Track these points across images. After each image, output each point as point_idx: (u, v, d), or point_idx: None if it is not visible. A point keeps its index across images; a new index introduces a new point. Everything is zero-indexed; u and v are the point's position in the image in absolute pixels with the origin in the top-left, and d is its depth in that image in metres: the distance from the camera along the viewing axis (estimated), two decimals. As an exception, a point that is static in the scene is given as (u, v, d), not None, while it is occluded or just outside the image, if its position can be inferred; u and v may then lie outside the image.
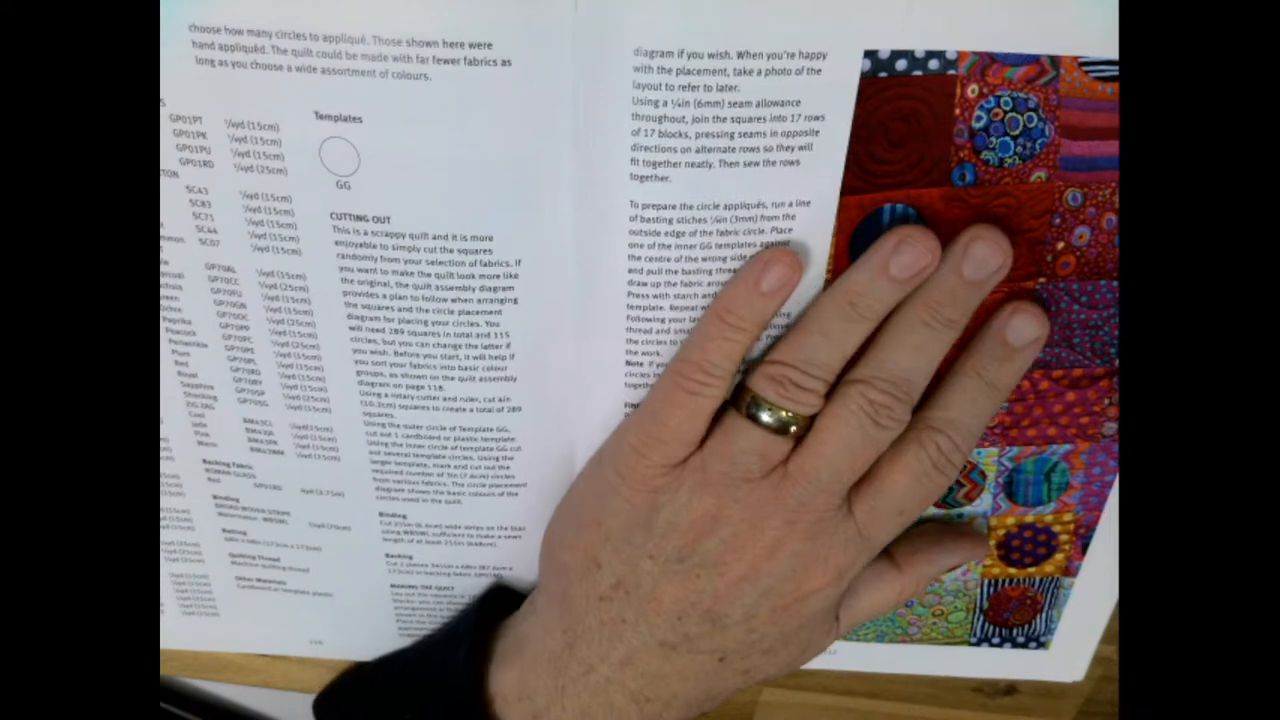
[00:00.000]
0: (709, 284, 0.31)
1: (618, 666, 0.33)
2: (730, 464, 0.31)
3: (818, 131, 0.29)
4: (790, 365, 0.30)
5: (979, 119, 0.29)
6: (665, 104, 0.28)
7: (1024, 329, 0.31)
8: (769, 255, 0.30)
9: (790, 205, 0.30)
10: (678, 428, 0.31)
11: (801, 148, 0.29)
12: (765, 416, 0.31)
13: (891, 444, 0.31)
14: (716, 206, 0.29)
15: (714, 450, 0.31)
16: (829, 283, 0.31)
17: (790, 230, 0.30)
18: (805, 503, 0.31)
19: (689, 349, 0.31)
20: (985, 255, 0.29)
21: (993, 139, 0.30)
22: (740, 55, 0.27)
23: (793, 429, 0.31)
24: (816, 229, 0.30)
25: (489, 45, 0.27)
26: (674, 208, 0.29)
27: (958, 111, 0.29)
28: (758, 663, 0.34)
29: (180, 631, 0.42)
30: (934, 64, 0.28)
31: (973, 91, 0.29)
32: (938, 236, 0.30)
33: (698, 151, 0.28)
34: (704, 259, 0.30)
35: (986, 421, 0.33)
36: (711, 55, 0.27)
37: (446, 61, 0.27)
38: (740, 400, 0.31)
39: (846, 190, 0.30)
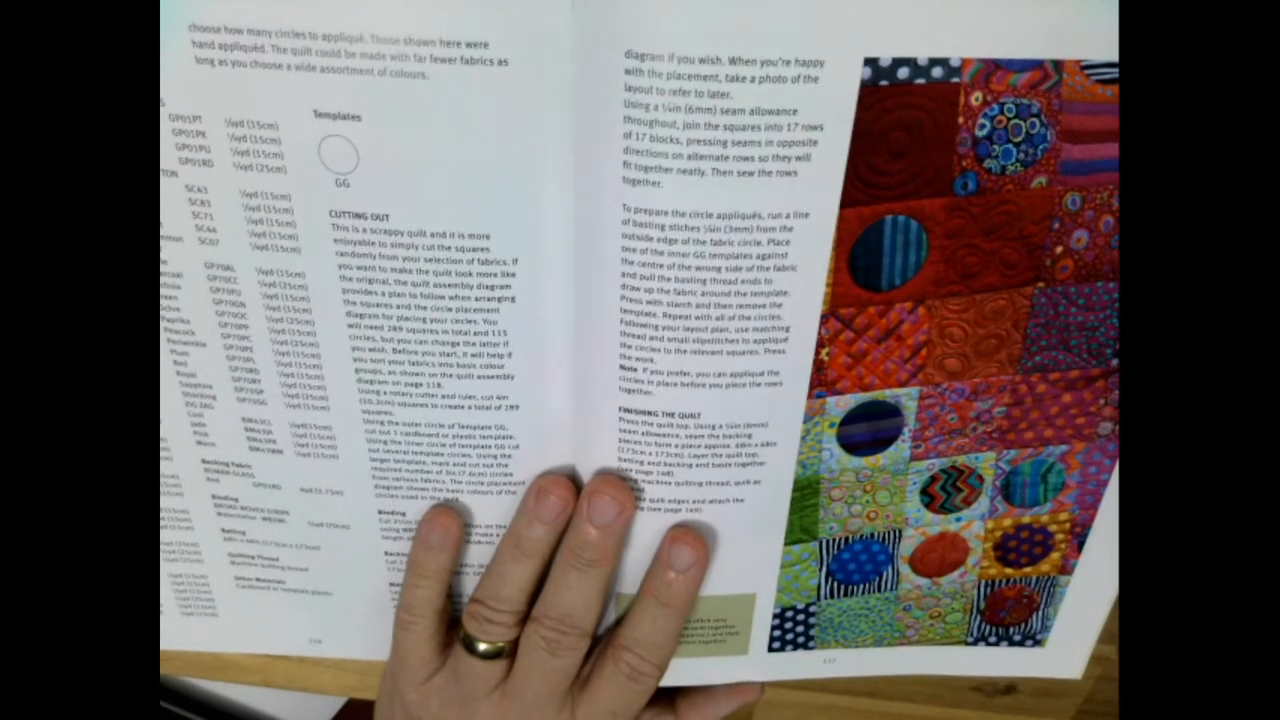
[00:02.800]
0: (703, 294, 0.31)
1: None
2: (459, 686, 0.38)
3: (816, 142, 0.28)
4: (481, 602, 0.37)
5: (982, 127, 0.29)
6: (656, 108, 0.27)
7: (681, 557, 0.36)
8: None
9: (787, 217, 0.29)
10: (405, 658, 0.38)
11: (799, 158, 0.28)
12: (478, 647, 0.37)
13: (599, 653, 0.38)
14: (710, 215, 0.29)
15: (448, 673, 0.38)
16: (827, 297, 0.31)
17: (787, 242, 0.30)
18: (524, 713, 0.37)
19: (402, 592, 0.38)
20: (604, 506, 0.34)
21: (995, 146, 0.29)
22: (732, 61, 0.26)
23: (501, 655, 0.37)
24: (815, 242, 0.30)
25: (486, 44, 0.27)
26: (666, 214, 0.29)
27: (961, 120, 0.29)
28: None
29: (179, 632, 0.42)
30: (937, 71, 0.28)
31: (976, 99, 0.28)
32: (941, 247, 0.30)
33: (689, 158, 0.28)
34: (697, 268, 0.30)
35: (673, 632, 0.37)
36: (702, 60, 0.26)
37: (444, 60, 0.27)
38: (460, 634, 0.38)
39: (846, 202, 0.29)
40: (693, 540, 0.36)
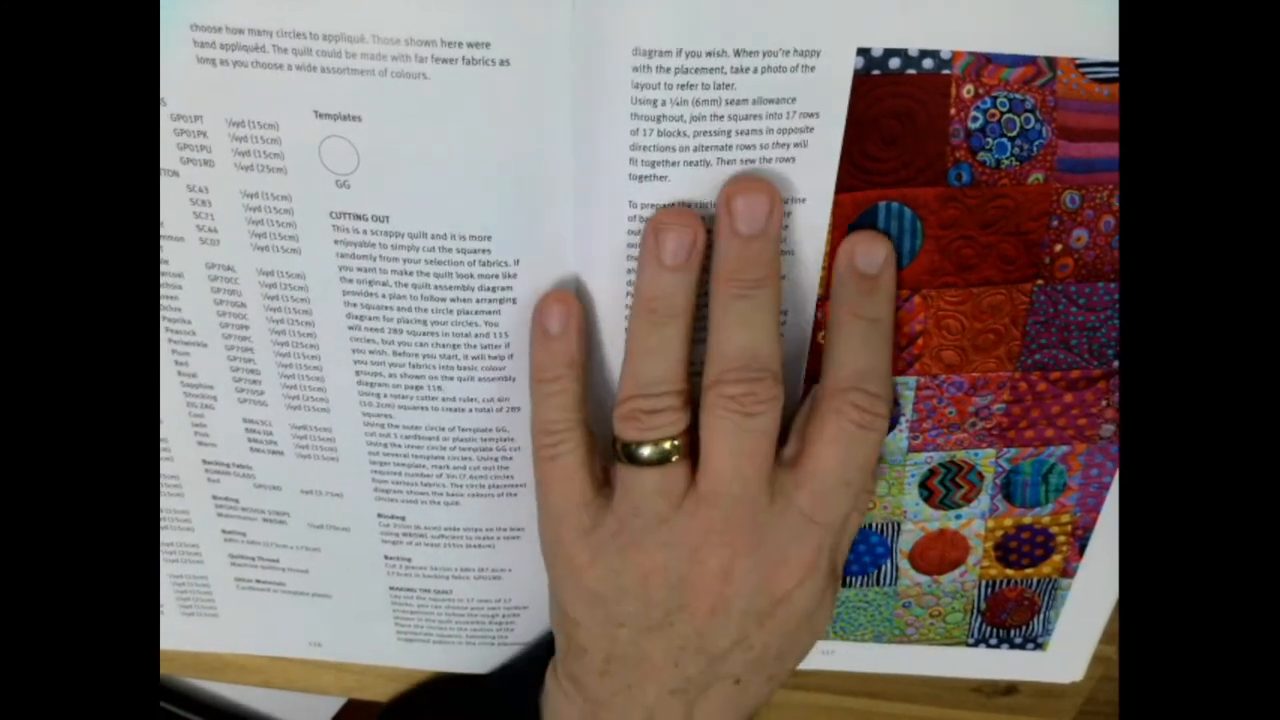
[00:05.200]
0: (705, 283, 0.31)
1: None
2: (639, 514, 0.30)
3: (812, 129, 0.29)
4: (633, 396, 0.30)
5: (975, 119, 0.29)
6: (663, 103, 0.28)
7: (872, 254, 0.30)
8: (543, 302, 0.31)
9: (786, 203, 0.30)
10: (561, 503, 0.31)
11: (796, 145, 0.29)
12: (643, 453, 0.30)
13: (813, 419, 0.31)
14: (715, 204, 0.29)
15: (619, 506, 0.31)
16: (824, 280, 0.32)
17: (786, 227, 0.30)
18: (730, 517, 0.30)
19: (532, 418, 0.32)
20: (751, 208, 0.28)
21: (989, 140, 0.30)
22: (737, 53, 0.27)
23: (675, 455, 0.30)
24: (812, 226, 0.31)
25: (487, 45, 0.27)
26: (673, 206, 0.29)
27: (953, 111, 0.29)
28: (775, 669, 0.33)
29: (180, 633, 0.42)
30: (928, 63, 0.28)
31: (968, 92, 0.29)
32: (936, 237, 0.30)
33: (695, 150, 0.28)
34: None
35: (889, 358, 0.31)
36: (709, 54, 0.27)
37: (445, 61, 0.27)
38: (616, 450, 0.31)
39: (841, 188, 0.30)
40: (878, 236, 0.30)
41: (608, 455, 0.32)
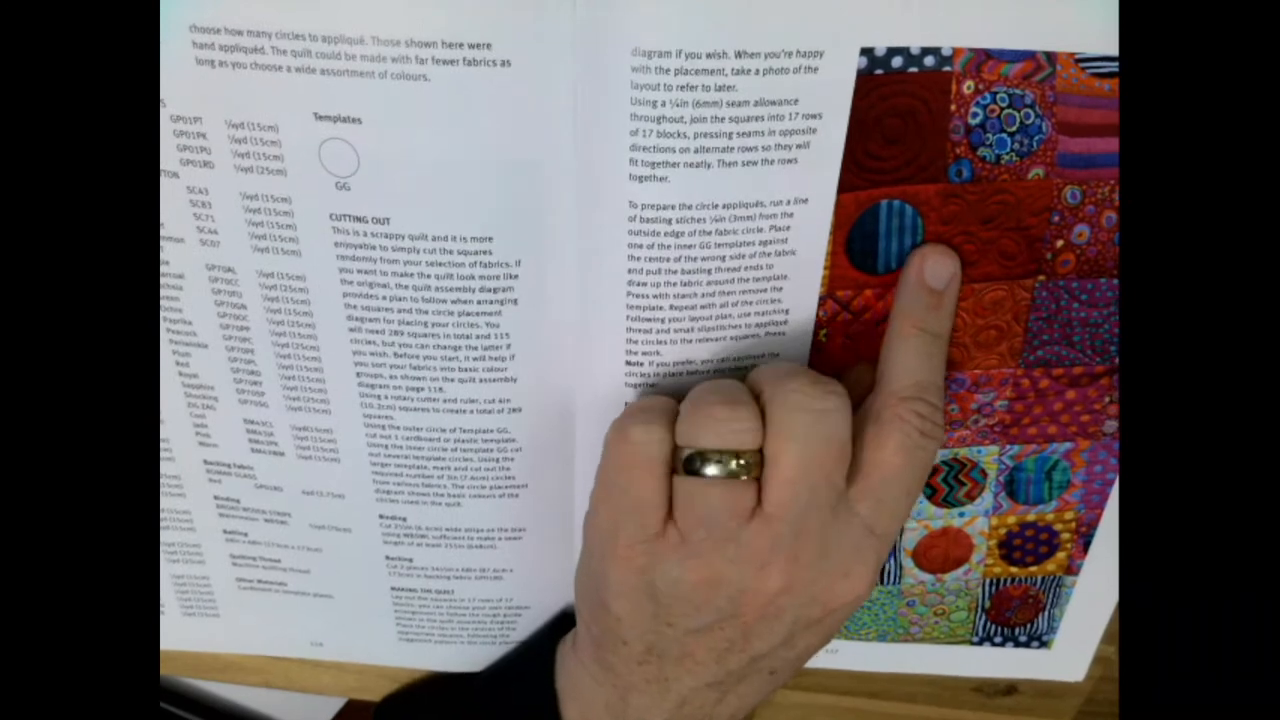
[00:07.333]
0: (708, 283, 0.31)
1: (674, 709, 0.32)
2: (705, 529, 0.29)
3: (815, 130, 0.29)
4: (712, 402, 0.29)
5: (975, 115, 0.29)
6: (663, 104, 0.27)
7: (941, 270, 0.31)
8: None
9: (788, 203, 0.30)
10: (636, 494, 0.30)
11: (799, 146, 0.29)
12: (712, 469, 0.29)
13: (871, 428, 0.30)
14: (715, 206, 0.29)
15: (683, 518, 0.29)
16: (825, 279, 0.32)
17: (788, 228, 0.30)
18: (799, 531, 0.29)
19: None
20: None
21: (989, 135, 0.30)
22: (738, 55, 0.27)
23: (743, 472, 0.29)
24: (814, 226, 0.31)
25: (488, 46, 0.27)
26: (673, 208, 0.29)
27: (953, 108, 0.29)
28: (806, 659, 0.34)
29: (181, 632, 0.42)
30: (929, 60, 0.28)
31: (968, 88, 0.29)
32: (937, 233, 0.30)
33: (696, 152, 0.28)
34: (703, 258, 0.30)
35: (944, 374, 0.32)
36: (709, 55, 0.27)
37: (446, 62, 0.27)
38: (679, 461, 0.29)
39: (843, 187, 0.30)
40: (948, 253, 0.31)
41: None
